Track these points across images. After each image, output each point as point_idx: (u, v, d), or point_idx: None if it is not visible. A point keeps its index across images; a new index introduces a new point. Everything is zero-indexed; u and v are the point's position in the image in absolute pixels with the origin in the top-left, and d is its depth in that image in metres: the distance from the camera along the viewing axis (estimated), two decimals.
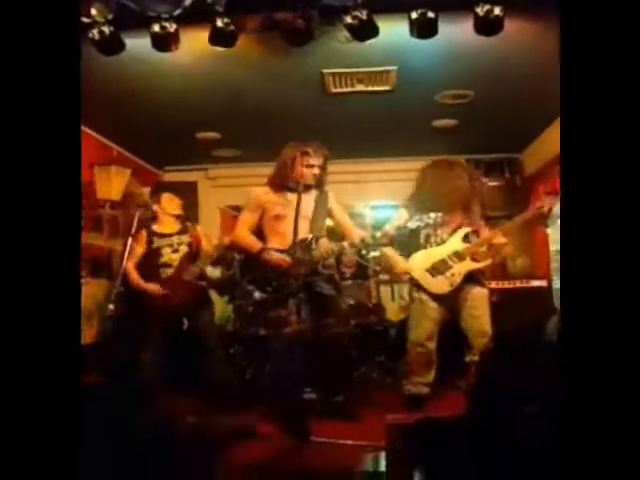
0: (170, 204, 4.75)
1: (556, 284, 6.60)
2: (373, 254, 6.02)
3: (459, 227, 4.31)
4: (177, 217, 4.79)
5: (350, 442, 3.38)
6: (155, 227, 4.74)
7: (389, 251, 4.42)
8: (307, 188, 4.07)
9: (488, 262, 4.28)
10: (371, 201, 7.62)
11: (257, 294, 5.85)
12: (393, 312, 6.53)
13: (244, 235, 4.20)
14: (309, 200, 4.12)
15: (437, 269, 4.24)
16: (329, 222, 4.34)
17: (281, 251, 3.96)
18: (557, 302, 5.86)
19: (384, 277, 6.66)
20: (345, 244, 4.07)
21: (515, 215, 4.39)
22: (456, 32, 3.90)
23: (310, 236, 4.06)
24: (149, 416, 2.89)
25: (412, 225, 4.00)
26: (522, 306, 5.63)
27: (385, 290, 6.75)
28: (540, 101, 5.30)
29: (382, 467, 3.02)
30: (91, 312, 5.54)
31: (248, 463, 3.16)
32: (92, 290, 5.65)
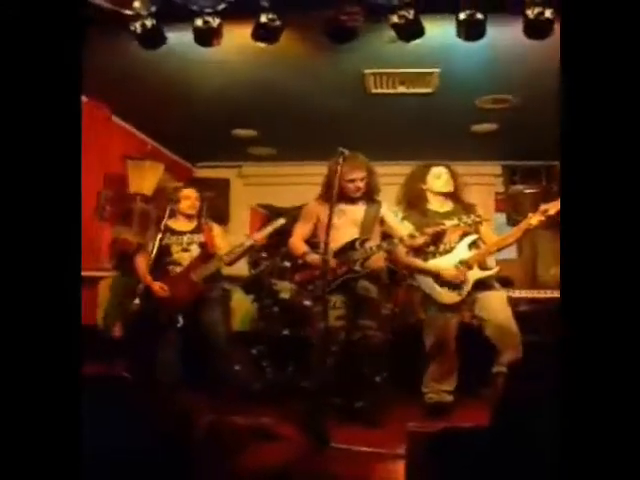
0: (185, 202, 4.64)
1: None
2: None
3: (465, 234, 4.22)
4: (190, 216, 4.71)
5: (370, 449, 3.31)
6: (170, 223, 4.67)
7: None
8: (356, 199, 4.16)
9: (495, 270, 4.19)
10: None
11: (282, 294, 5.89)
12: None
13: (294, 241, 4.28)
14: (359, 209, 4.19)
15: (445, 279, 4.16)
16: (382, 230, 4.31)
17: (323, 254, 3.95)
18: None
19: (413, 282, 6.59)
20: (384, 243, 4.08)
21: (549, 222, 4.30)
22: (501, 35, 3.83)
23: (355, 238, 4.09)
24: (167, 413, 2.86)
25: (450, 224, 3.97)
26: (554, 316, 5.53)
27: (416, 294, 6.67)
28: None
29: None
30: (118, 305, 5.54)
31: (266, 465, 3.14)
32: (119, 283, 5.65)
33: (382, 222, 4.26)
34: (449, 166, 4.36)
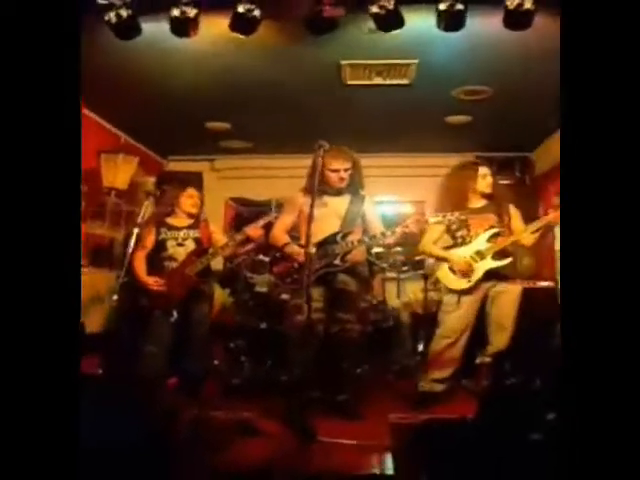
0: (187, 202, 4.69)
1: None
2: (377, 250, 5.98)
3: (491, 228, 4.34)
4: (191, 215, 4.71)
5: (355, 442, 3.34)
6: (169, 220, 4.67)
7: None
8: (340, 191, 4.21)
9: (508, 261, 4.29)
10: (378, 197, 7.50)
11: (259, 288, 5.87)
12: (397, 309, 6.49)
13: (275, 232, 4.32)
14: (343, 201, 4.24)
15: (459, 267, 4.30)
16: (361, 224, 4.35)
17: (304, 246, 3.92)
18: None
19: (390, 274, 6.61)
20: (366, 238, 4.11)
21: (523, 214, 4.52)
22: (480, 26, 3.80)
23: (337, 231, 4.11)
24: (150, 409, 2.84)
25: (433, 220, 4.03)
26: (531, 307, 5.56)
27: (390, 287, 6.70)
28: (554, 101, 5.22)
29: (389, 469, 2.98)
30: (92, 302, 5.47)
31: (251, 460, 3.11)
32: (92, 279, 5.57)
33: (363, 217, 4.26)
34: (490, 166, 4.55)
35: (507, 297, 4.31)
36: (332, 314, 4.16)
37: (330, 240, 4.08)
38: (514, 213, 4.48)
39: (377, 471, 3.00)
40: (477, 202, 4.44)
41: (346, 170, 4.14)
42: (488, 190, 4.41)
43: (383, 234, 4.01)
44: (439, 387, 4.31)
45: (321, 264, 4.04)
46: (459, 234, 4.40)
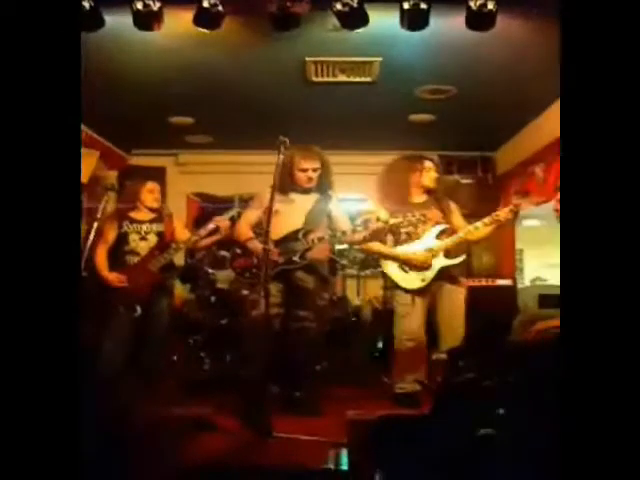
0: (149, 197, 4.68)
1: (520, 283, 6.64)
2: (338, 247, 6.00)
3: (437, 224, 4.33)
4: (153, 210, 4.69)
5: (312, 438, 3.38)
6: (132, 214, 4.65)
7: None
8: (308, 190, 4.25)
9: (461, 259, 4.32)
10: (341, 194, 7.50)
11: (220, 284, 5.85)
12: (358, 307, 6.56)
13: (240, 227, 4.33)
14: (310, 199, 4.27)
15: (409, 265, 4.27)
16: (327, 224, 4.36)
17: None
18: (520, 302, 5.89)
19: (351, 272, 6.65)
20: (329, 235, 4.13)
21: (484, 213, 4.42)
22: (444, 26, 3.82)
23: (299, 228, 4.13)
24: (106, 405, 2.82)
25: (394, 221, 4.06)
26: (487, 305, 5.63)
27: (351, 284, 6.73)
28: (518, 102, 5.32)
29: (344, 465, 3.02)
30: None
31: (207, 455, 3.14)
32: None
33: (329, 217, 4.29)
34: (435, 160, 4.53)
35: (456, 297, 4.34)
36: (290, 311, 4.20)
37: (291, 237, 4.11)
38: (454, 208, 4.48)
39: (332, 466, 3.02)
40: (419, 197, 4.43)
41: (314, 170, 4.18)
42: (432, 185, 4.39)
43: (353, 231, 4.05)
44: (418, 387, 4.31)
45: (281, 260, 4.05)
46: (404, 231, 4.34)
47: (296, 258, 4.07)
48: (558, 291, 1.81)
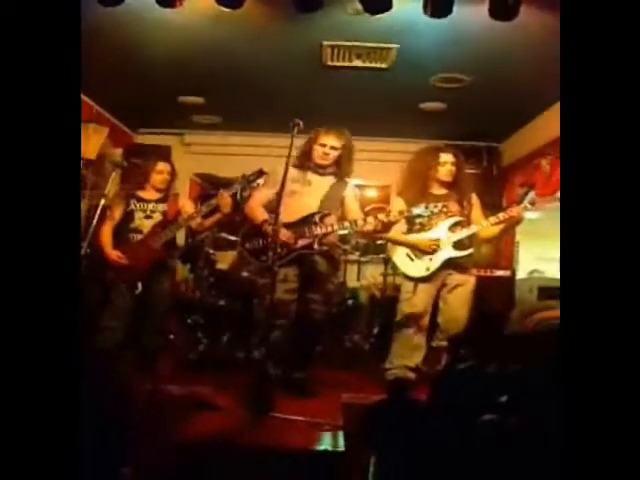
0: (158, 177, 4.71)
1: (518, 275, 6.66)
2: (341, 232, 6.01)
3: (452, 216, 4.34)
4: (160, 190, 4.69)
5: (308, 419, 3.41)
6: (139, 193, 4.65)
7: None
8: (326, 171, 4.22)
9: (469, 251, 4.33)
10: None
11: (220, 264, 5.86)
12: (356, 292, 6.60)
13: (252, 207, 4.26)
14: (326, 182, 4.24)
15: (417, 253, 4.31)
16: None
17: (286, 225, 3.91)
18: (518, 293, 5.91)
19: (352, 257, 6.66)
20: (346, 223, 4.11)
21: (487, 203, 4.59)
22: (465, 14, 3.80)
23: (315, 212, 4.10)
24: (106, 382, 2.82)
25: (416, 212, 4.12)
26: (485, 296, 5.65)
27: (351, 269, 6.75)
28: (529, 94, 5.32)
29: (340, 446, 3.06)
30: None
31: (205, 434, 3.17)
32: None
33: (343, 202, 4.28)
34: (456, 153, 4.46)
35: (464, 288, 4.33)
36: (302, 295, 4.19)
37: (308, 220, 4.08)
38: (475, 202, 4.49)
39: (329, 448, 3.07)
40: (438, 189, 4.42)
41: (333, 148, 4.14)
42: (448, 178, 4.37)
43: (364, 220, 4.04)
44: (410, 374, 4.30)
45: (299, 244, 4.04)
46: (418, 220, 4.37)
47: (316, 245, 4.06)
48: (557, 283, 1.81)
